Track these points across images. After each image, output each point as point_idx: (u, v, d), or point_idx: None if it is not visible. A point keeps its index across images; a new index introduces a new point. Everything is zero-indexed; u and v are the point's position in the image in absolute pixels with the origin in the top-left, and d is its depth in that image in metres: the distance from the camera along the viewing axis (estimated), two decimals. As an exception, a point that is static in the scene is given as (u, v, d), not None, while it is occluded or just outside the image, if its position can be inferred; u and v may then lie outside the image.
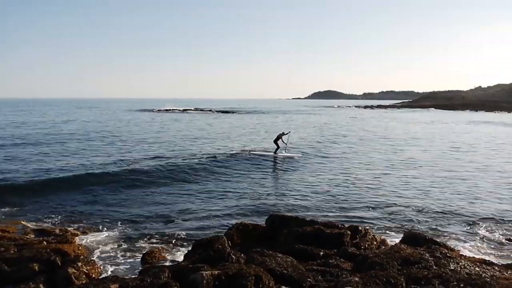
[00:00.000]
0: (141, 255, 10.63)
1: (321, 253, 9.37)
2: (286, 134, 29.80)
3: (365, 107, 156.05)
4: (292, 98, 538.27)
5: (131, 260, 10.63)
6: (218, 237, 9.84)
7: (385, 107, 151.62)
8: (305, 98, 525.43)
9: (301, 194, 17.84)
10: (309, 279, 7.66)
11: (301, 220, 11.05)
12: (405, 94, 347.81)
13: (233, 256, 8.76)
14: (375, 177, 21.48)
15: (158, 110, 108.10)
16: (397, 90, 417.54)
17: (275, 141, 29.57)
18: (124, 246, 11.65)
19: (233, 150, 30.07)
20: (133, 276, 8.67)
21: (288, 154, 29.10)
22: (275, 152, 29.20)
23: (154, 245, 11.70)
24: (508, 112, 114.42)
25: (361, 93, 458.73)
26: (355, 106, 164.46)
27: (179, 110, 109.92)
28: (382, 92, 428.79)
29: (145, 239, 12.18)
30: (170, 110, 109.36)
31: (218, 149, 31.26)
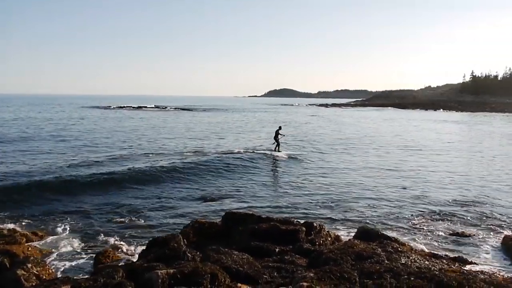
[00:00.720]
0: (94, 255, 10.37)
1: (277, 250, 9.45)
2: (282, 135, 29.48)
3: (321, 105, 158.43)
4: (249, 96, 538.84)
5: (84, 260, 10.39)
6: (173, 236, 9.75)
7: (340, 105, 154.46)
8: (261, 96, 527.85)
9: (258, 192, 17.97)
10: (265, 276, 7.73)
11: (257, 217, 11.10)
12: (359, 92, 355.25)
13: (189, 255, 8.70)
14: (330, 174, 21.87)
15: (112, 107, 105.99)
16: (351, 89, 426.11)
17: (275, 138, 29.25)
18: (77, 246, 11.38)
19: (190, 150, 29.86)
20: (85, 277, 8.48)
21: (290, 152, 29.26)
22: (275, 150, 28.95)
23: (107, 244, 11.47)
24: (456, 111, 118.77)
25: (316, 92, 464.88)
26: (310, 104, 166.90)
27: (133, 107, 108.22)
28: (337, 90, 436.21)
29: (98, 239, 11.93)
30: (124, 107, 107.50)
31: (176, 148, 31.00)
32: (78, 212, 14.64)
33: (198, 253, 8.96)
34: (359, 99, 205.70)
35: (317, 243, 10.18)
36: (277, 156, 27.98)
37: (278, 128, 29.63)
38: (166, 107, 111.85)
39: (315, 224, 10.86)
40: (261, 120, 68.86)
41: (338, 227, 13.29)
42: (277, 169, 23.69)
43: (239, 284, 6.57)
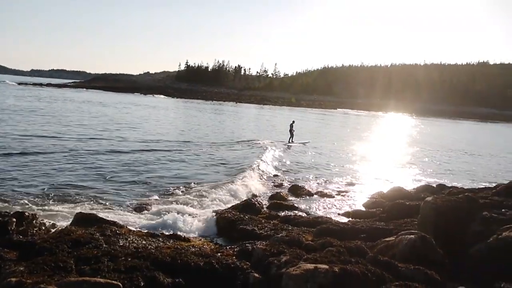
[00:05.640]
0: None
1: (-19, 246, 8.40)
2: (292, 126, 35.76)
3: (34, 84, 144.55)
4: None
5: None
6: None
7: (57, 86, 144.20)
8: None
9: None
10: (-37, 277, 6.78)
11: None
12: (77, 74, 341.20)
13: None
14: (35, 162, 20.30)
15: None
16: (68, 69, 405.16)
17: (290, 131, 35.64)
18: None
19: None
20: None
21: (301, 142, 36.09)
22: (291, 141, 35.39)
23: None
24: (172, 97, 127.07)
25: (29, 69, 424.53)
26: (19, 84, 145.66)
27: None
28: (53, 70, 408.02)
29: None
30: None
31: None
32: None
33: None
34: (77, 81, 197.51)
35: (30, 234, 9.45)
36: (289, 145, 34.41)
37: (292, 122, 35.99)
38: None
39: (27, 214, 10.06)
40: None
41: (54, 214, 12.56)
42: None
43: None
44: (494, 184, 16.83)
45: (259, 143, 33.52)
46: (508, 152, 44.40)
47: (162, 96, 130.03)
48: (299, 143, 35.84)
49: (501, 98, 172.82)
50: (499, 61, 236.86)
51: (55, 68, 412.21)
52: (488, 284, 6.57)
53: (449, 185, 19.77)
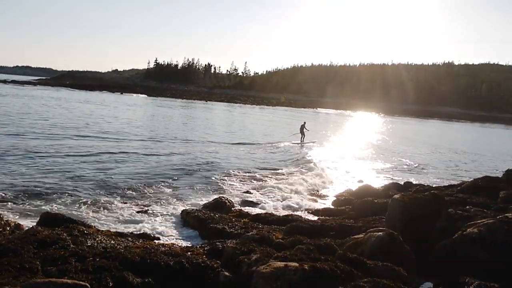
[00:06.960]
0: None
1: None
2: (307, 130, 37.60)
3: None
4: None
5: None
6: None
7: (23, 83, 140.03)
8: None
9: None
10: None
11: None
12: (42, 71, 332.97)
13: None
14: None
15: None
16: (34, 66, 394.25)
17: (301, 131, 37.10)
18: None
19: None
20: None
21: (308, 142, 37.34)
22: (302, 140, 37.13)
23: None
24: (142, 94, 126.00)
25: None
26: None
27: None
28: (17, 66, 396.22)
29: None
30: None
31: None
32: None
33: None
34: (43, 78, 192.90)
35: (-7, 235, 9.19)
36: (302, 145, 36.03)
37: (303, 123, 37.63)
38: None
39: (-9, 214, 9.78)
40: None
41: (20, 214, 12.26)
42: None
43: None
44: (459, 182, 17.27)
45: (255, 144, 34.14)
46: (472, 150, 45.59)
47: (142, 95, 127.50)
48: (309, 142, 37.78)
49: (465, 98, 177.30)
50: (463, 62, 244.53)
51: (19, 65, 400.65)
52: (453, 279, 6.74)
53: (416, 182, 20.22)
